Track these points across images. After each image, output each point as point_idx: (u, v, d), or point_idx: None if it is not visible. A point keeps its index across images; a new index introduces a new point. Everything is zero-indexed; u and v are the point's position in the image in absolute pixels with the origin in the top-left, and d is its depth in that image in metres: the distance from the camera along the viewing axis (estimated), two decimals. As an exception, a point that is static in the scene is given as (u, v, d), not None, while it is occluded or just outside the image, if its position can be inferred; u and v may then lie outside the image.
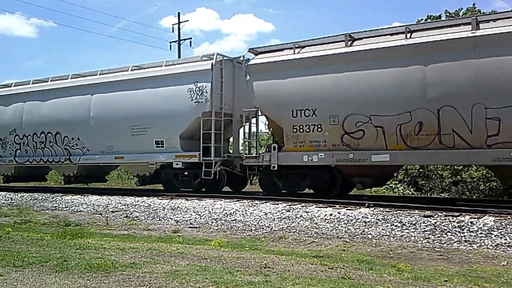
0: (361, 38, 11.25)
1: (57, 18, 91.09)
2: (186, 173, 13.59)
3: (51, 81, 16.73)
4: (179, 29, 34.88)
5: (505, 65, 9.23)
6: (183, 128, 13.22)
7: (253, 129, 13.72)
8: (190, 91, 12.97)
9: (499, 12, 10.58)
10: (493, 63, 9.33)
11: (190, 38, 35.00)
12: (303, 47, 11.90)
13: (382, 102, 10.39)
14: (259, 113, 12.71)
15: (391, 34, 10.92)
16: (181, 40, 34.83)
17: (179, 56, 32.59)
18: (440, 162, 10.92)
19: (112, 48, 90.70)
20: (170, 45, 35.29)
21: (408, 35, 10.52)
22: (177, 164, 13.29)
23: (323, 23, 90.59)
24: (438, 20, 10.72)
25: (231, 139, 14.56)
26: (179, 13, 37.03)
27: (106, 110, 14.71)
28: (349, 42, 11.18)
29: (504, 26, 9.51)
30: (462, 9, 22.72)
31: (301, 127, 11.44)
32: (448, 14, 22.87)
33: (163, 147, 13.54)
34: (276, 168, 11.88)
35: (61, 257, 5.82)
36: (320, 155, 11.23)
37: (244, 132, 13.37)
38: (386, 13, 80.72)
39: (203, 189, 13.82)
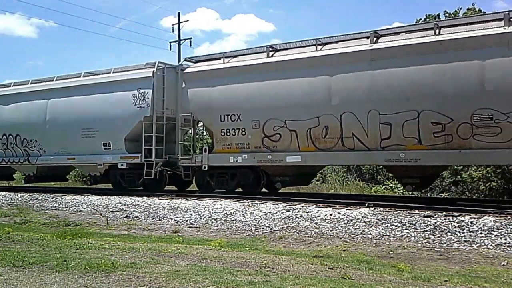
0: (281, 49, 12.42)
1: (57, 18, 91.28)
2: (131, 173, 14.57)
3: (13, 85, 17.74)
4: (179, 29, 34.94)
5: (395, 76, 10.33)
6: (127, 131, 14.10)
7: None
8: (134, 97, 13.91)
9: (397, 27, 11.67)
10: (386, 74, 10.45)
11: (190, 38, 35.13)
12: (234, 56, 13.04)
13: (295, 108, 11.49)
14: (194, 118, 13.73)
15: (304, 46, 12.10)
16: (181, 40, 34.89)
17: (179, 56, 32.62)
18: (343, 162, 12.19)
19: (113, 48, 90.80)
20: (170, 45, 35.41)
21: (319, 47, 11.62)
22: (122, 165, 14.20)
23: (324, 23, 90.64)
24: (344, 34, 11.71)
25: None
26: (179, 13, 37.13)
27: (60, 114, 15.67)
28: (271, 53, 12.34)
29: (398, 40, 10.67)
30: (461, 9, 22.72)
31: (228, 130, 12.54)
32: (447, 14, 22.86)
33: (110, 149, 14.52)
34: (206, 168, 12.98)
35: (61, 257, 5.82)
36: (244, 157, 12.30)
37: (180, 135, 14.21)
38: (387, 13, 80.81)
39: (147, 188, 14.68)
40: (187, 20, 59.19)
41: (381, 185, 18.34)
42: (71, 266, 5.24)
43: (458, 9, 22.87)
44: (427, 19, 22.16)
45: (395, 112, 10.32)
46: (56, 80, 16.37)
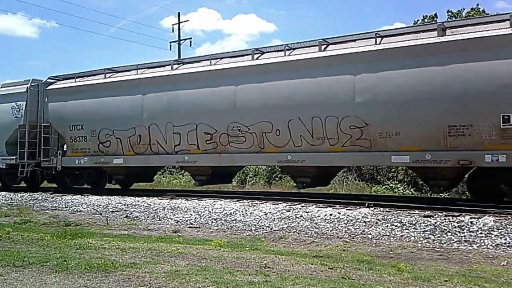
0: (120, 71, 15.19)
1: (58, 18, 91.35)
2: (11, 172, 16.82)
3: None
4: (179, 29, 34.95)
5: (184, 96, 12.93)
6: (7, 137, 16.62)
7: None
8: (12, 108, 16.61)
9: (196, 56, 14.26)
10: (179, 94, 13.04)
11: (190, 38, 35.15)
12: (85, 76, 15.77)
13: (120, 120, 14.15)
14: (53, 127, 16.14)
15: (129, 70, 14.86)
16: (181, 40, 34.89)
17: (179, 56, 32.61)
18: (151, 163, 14.23)
19: (113, 48, 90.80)
20: (170, 45, 35.41)
21: (138, 71, 14.38)
22: (2, 165, 16.68)
23: (325, 23, 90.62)
24: (191, 57, 14.54)
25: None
26: (179, 13, 37.13)
27: None
28: (108, 75, 15.02)
29: (190, 68, 13.31)
30: (464, 9, 22.71)
31: (75, 138, 15.32)
32: (450, 13, 22.85)
33: None
34: (59, 168, 15.60)
35: (61, 257, 5.82)
36: (85, 159, 15.05)
37: (43, 141, 16.13)
38: (389, 13, 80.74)
39: (27, 184, 17.47)
40: (187, 20, 59.19)
41: (381, 185, 18.34)
42: (71, 266, 5.24)
43: (461, 9, 22.86)
44: (425, 20, 22.19)
45: (183, 124, 12.92)
46: None
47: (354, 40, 11.17)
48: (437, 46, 9.78)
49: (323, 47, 11.31)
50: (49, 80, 16.51)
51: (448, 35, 9.94)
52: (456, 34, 9.85)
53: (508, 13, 9.53)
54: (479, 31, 9.56)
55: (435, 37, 9.93)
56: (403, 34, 10.67)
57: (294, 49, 11.88)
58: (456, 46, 9.59)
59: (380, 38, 10.71)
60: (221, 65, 12.70)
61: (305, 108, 11.04)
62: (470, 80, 9.38)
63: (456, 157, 9.49)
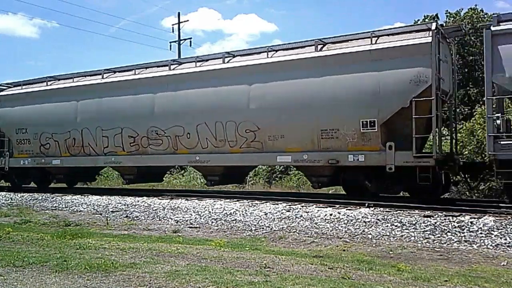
0: (61, 79, 16.53)
1: (59, 18, 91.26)
2: None
3: None
4: (179, 29, 34.93)
5: (111, 103, 14.41)
6: None
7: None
8: None
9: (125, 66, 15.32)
10: (109, 101, 14.52)
11: (190, 38, 35.09)
12: (33, 83, 17.10)
13: (57, 125, 15.59)
14: (2, 131, 17.52)
15: (65, 79, 16.45)
16: (181, 40, 34.87)
17: (179, 56, 32.59)
18: (82, 164, 15.50)
19: (113, 48, 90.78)
20: (170, 45, 35.39)
21: (69, 80, 16.06)
22: None
23: (325, 23, 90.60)
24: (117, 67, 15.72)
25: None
26: (179, 13, 37.11)
27: None
28: (50, 82, 16.42)
29: (118, 77, 14.92)
30: (462, 9, 22.71)
31: (21, 141, 16.76)
32: (448, 14, 22.86)
33: None
34: (7, 169, 17.03)
35: (61, 257, 5.82)
36: (29, 160, 16.48)
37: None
38: (389, 13, 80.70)
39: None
40: (187, 20, 59.10)
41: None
42: (71, 266, 5.24)
43: (459, 10, 22.89)
44: (426, 20, 22.18)
45: (110, 128, 14.39)
46: None
47: (252, 54, 12.72)
48: (312, 60, 11.32)
49: (226, 59, 12.78)
50: (0, 87, 17.97)
51: (323, 50, 11.37)
52: (330, 50, 11.32)
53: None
54: (346, 47, 11.11)
55: (313, 51, 11.42)
56: (290, 49, 12.12)
57: (206, 60, 13.40)
58: (325, 60, 11.11)
59: (273, 52, 12.22)
60: (142, 74, 14.28)
61: (210, 113, 12.45)
62: (336, 90, 10.85)
63: (326, 157, 10.98)
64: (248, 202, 11.39)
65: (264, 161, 12.51)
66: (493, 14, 10.82)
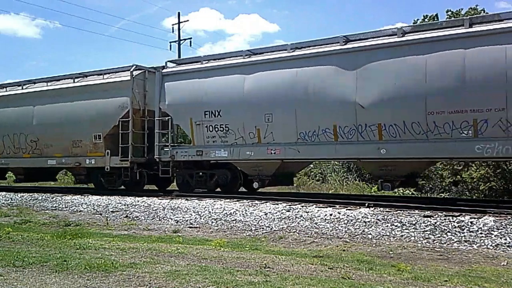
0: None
1: (61, 18, 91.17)
2: None
3: None
4: (179, 29, 34.95)
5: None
6: None
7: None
8: None
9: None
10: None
11: (190, 38, 35.12)
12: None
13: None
14: None
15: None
16: (181, 40, 34.88)
17: (179, 56, 32.58)
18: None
19: (114, 48, 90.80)
20: (170, 45, 35.42)
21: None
22: None
23: (327, 23, 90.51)
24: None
25: None
26: (179, 13, 37.14)
27: None
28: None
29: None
30: (462, 9, 22.67)
31: None
32: (450, 13, 22.80)
33: None
34: None
35: (61, 257, 5.82)
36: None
37: None
38: (390, 13, 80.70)
39: None
40: (187, 20, 59.24)
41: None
42: (71, 266, 5.24)
43: (459, 10, 22.81)
44: (425, 20, 22.17)
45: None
46: None
47: (39, 82, 17.17)
48: (73, 89, 15.73)
49: (76, 79, 16.11)
50: None
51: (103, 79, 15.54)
52: (88, 82, 15.82)
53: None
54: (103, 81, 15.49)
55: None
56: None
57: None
58: (78, 90, 15.72)
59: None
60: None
61: (11, 127, 17.11)
62: (81, 112, 15.43)
63: (75, 160, 15.56)
64: (248, 202, 11.39)
65: (37, 163, 16.66)
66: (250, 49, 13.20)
